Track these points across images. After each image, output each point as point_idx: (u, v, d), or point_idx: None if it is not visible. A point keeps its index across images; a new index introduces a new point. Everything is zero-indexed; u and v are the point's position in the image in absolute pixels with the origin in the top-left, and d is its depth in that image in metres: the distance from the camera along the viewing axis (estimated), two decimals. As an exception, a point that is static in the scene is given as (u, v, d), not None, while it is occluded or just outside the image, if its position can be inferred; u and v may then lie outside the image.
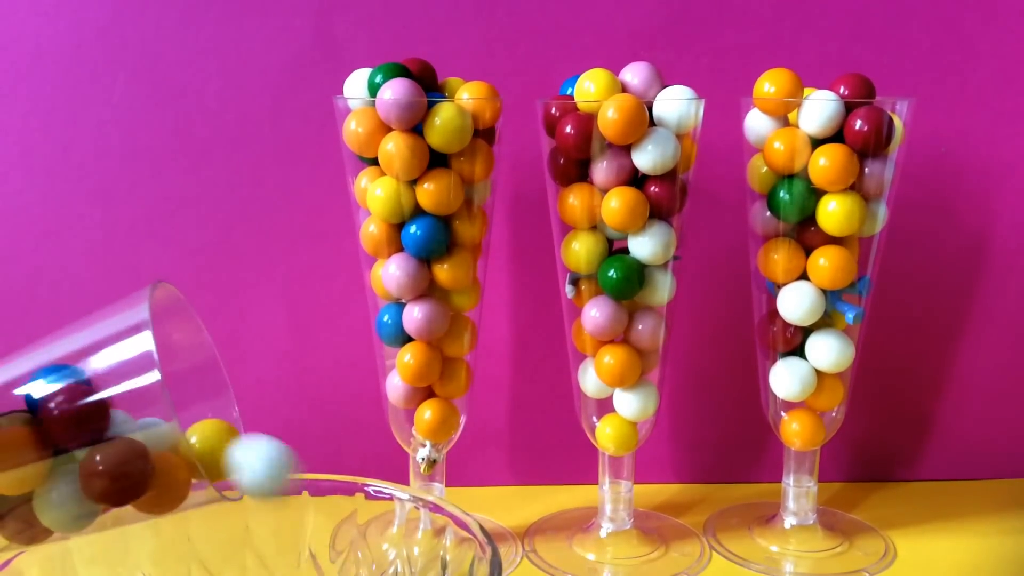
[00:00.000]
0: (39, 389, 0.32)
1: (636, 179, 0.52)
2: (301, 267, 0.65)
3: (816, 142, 0.53)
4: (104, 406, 0.32)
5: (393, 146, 0.50)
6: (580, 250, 0.54)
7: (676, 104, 0.51)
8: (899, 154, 0.54)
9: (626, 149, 0.51)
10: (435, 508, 0.41)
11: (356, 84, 0.53)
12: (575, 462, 0.64)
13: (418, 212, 0.52)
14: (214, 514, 0.41)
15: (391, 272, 0.53)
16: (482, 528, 0.38)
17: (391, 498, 0.42)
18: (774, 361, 0.57)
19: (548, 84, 0.56)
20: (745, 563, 0.58)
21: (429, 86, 0.52)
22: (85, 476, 0.31)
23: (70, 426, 0.32)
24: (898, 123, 0.53)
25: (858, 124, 0.52)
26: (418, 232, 0.52)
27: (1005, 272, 0.67)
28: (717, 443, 0.69)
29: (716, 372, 0.68)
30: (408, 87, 0.50)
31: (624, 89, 0.53)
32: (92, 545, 0.41)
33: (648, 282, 0.53)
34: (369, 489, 0.43)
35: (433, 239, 0.52)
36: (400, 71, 0.51)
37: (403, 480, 0.52)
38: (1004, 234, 0.67)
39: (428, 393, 0.56)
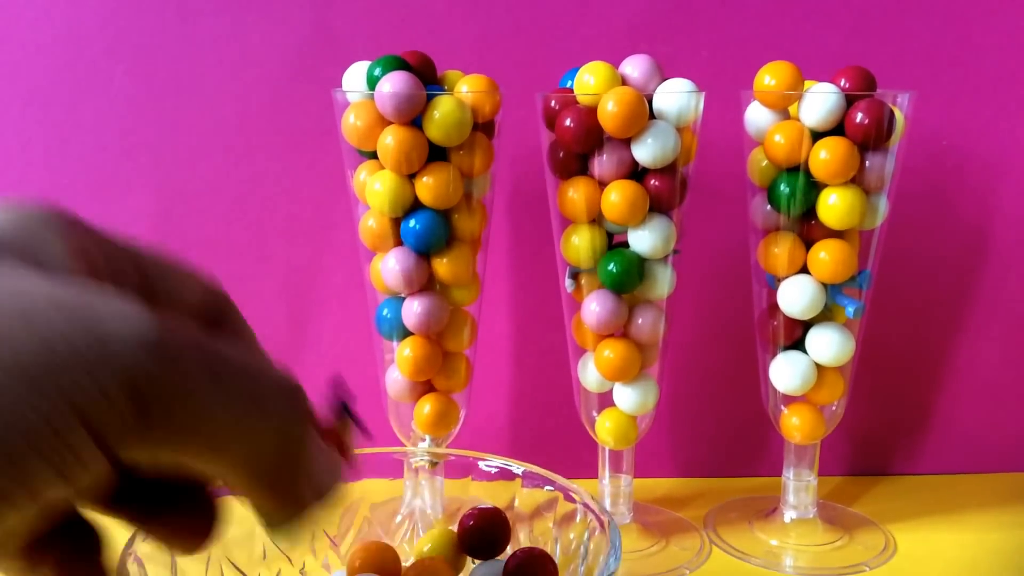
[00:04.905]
0: None
1: (636, 172, 0.52)
2: (300, 261, 0.65)
3: (817, 135, 0.53)
4: None
5: (392, 139, 0.50)
6: (580, 244, 0.53)
7: (676, 97, 0.51)
8: (900, 147, 0.53)
9: (626, 142, 0.51)
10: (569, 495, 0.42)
11: (355, 77, 0.53)
12: (575, 456, 0.64)
13: (417, 206, 0.52)
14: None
15: (390, 266, 0.52)
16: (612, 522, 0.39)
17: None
18: (774, 355, 0.57)
19: (548, 77, 0.56)
20: (745, 557, 0.58)
21: (428, 79, 0.52)
22: None
23: None
24: (899, 116, 0.53)
25: (859, 117, 0.51)
26: (417, 226, 0.52)
27: (1006, 265, 0.67)
28: (717, 437, 0.69)
29: (716, 366, 0.68)
30: (407, 80, 0.50)
31: (624, 82, 0.52)
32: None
33: (648, 276, 0.53)
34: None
35: (432, 233, 0.52)
36: (399, 64, 0.51)
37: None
38: (1005, 227, 0.67)
39: (428, 387, 0.56)
